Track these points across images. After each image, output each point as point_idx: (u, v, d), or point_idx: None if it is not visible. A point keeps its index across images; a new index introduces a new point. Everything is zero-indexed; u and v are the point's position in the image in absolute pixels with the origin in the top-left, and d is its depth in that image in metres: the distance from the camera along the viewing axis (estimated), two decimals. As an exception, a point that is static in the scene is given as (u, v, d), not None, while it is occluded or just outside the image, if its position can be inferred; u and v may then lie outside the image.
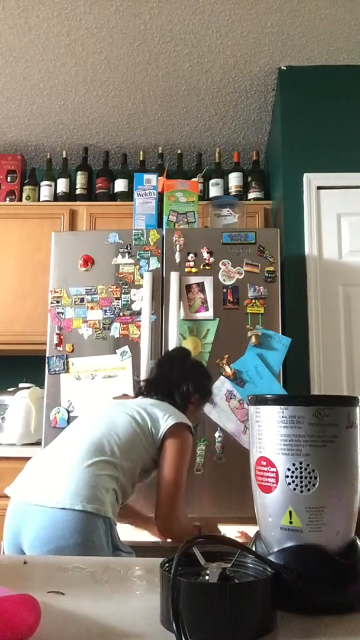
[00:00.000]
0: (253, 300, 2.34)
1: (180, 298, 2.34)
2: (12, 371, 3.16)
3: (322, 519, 0.70)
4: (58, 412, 2.31)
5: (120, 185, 3.26)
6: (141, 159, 3.36)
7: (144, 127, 3.25)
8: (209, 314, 2.35)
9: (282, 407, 0.73)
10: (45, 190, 3.27)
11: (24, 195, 3.27)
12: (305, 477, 0.70)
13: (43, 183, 3.29)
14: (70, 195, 3.29)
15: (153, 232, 2.44)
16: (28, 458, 2.48)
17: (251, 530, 1.90)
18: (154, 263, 2.41)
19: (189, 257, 2.39)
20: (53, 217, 3.10)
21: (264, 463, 0.73)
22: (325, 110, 2.76)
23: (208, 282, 2.37)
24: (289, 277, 2.61)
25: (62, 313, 2.39)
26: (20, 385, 2.87)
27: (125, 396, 2.07)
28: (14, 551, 1.47)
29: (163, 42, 2.61)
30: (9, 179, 3.32)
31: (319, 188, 2.70)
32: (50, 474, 1.54)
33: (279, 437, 0.72)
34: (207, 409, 2.24)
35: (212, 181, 3.27)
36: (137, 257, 2.42)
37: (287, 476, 0.71)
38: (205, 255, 2.39)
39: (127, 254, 2.42)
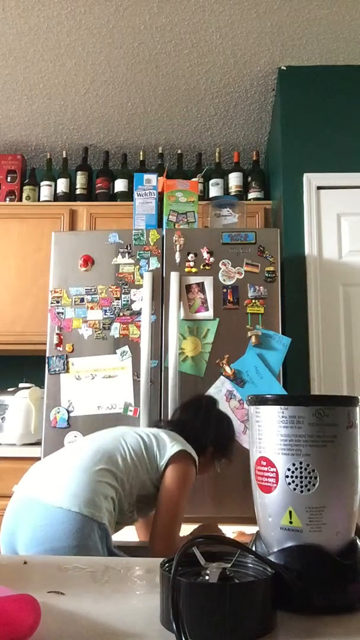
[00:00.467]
0: (253, 300, 2.35)
1: (180, 298, 2.34)
2: (12, 371, 3.17)
3: (322, 519, 0.70)
4: (58, 412, 2.31)
5: (120, 185, 3.26)
6: (141, 159, 3.36)
7: (144, 127, 3.25)
8: (209, 314, 2.35)
9: (282, 407, 0.73)
10: (45, 190, 3.27)
11: (24, 195, 3.27)
12: (305, 477, 0.70)
13: (43, 183, 3.29)
14: (70, 195, 3.29)
15: (153, 232, 2.44)
16: (28, 458, 2.51)
17: (247, 529, 1.91)
18: (154, 263, 2.41)
19: (189, 257, 2.39)
20: (53, 217, 3.10)
21: (264, 463, 0.73)
22: (325, 111, 2.76)
23: (208, 282, 2.37)
24: (289, 277, 2.61)
25: (62, 313, 2.39)
26: (20, 385, 2.87)
27: None
28: (9, 552, 1.47)
29: (163, 42, 2.61)
30: (9, 179, 3.32)
31: (319, 188, 2.70)
32: (54, 473, 1.55)
33: (279, 437, 0.72)
34: (207, 409, 2.25)
35: (212, 181, 3.27)
36: (137, 257, 2.42)
37: (287, 476, 0.71)
38: (205, 255, 2.39)
39: (127, 254, 2.42)
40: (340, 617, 0.66)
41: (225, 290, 2.36)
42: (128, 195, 3.17)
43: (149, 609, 0.67)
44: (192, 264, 2.39)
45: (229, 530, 1.90)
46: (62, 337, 2.37)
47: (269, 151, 3.30)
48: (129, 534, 1.85)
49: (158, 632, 0.62)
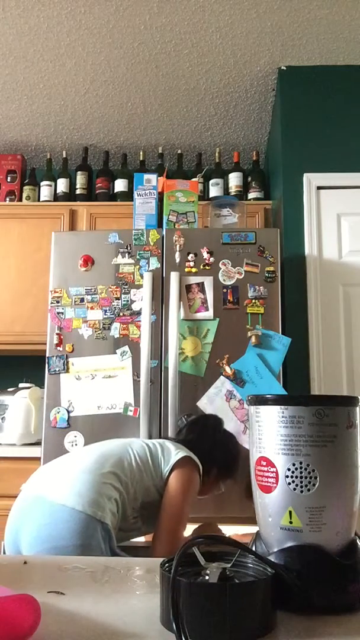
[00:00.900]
0: (253, 300, 2.34)
1: (180, 298, 2.34)
2: (12, 371, 3.17)
3: (322, 518, 0.70)
4: (58, 412, 2.31)
5: (120, 185, 3.26)
6: (141, 159, 3.36)
7: (144, 127, 3.25)
8: (209, 314, 2.35)
9: (282, 407, 0.73)
10: (45, 190, 3.27)
11: (24, 195, 3.27)
12: (305, 477, 0.70)
13: (43, 183, 3.29)
14: (70, 195, 3.29)
15: (153, 232, 2.44)
16: (28, 458, 2.52)
17: (248, 529, 1.90)
18: (154, 263, 2.41)
19: (189, 257, 2.39)
20: (53, 217, 3.10)
21: (264, 463, 0.73)
22: (325, 111, 2.76)
23: (208, 282, 2.37)
24: (289, 277, 2.61)
25: (62, 313, 2.39)
26: (20, 385, 2.87)
27: None
28: (13, 551, 1.48)
29: (163, 42, 2.61)
30: (9, 179, 3.32)
31: (319, 188, 2.70)
32: (60, 473, 1.56)
33: (279, 437, 0.72)
34: (207, 409, 2.24)
35: (212, 181, 3.27)
36: (137, 257, 2.42)
37: (287, 476, 0.71)
38: (205, 255, 2.39)
39: (127, 254, 2.42)
40: (340, 617, 0.66)
41: (225, 290, 2.36)
42: (128, 195, 3.17)
43: (149, 609, 0.67)
44: (192, 264, 2.39)
45: (229, 531, 1.90)
46: (62, 337, 2.37)
47: (269, 151, 3.30)
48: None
49: (158, 632, 0.62)
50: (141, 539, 1.82)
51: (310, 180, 2.70)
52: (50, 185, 3.29)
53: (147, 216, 2.53)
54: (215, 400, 2.26)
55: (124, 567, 0.89)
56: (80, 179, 3.30)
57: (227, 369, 2.29)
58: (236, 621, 0.59)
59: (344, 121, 2.74)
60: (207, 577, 0.65)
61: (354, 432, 0.73)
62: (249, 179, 3.25)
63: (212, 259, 2.39)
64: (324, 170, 2.70)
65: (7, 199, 3.27)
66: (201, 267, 2.39)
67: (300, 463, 0.71)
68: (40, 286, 2.93)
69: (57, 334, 2.38)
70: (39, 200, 3.28)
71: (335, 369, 2.55)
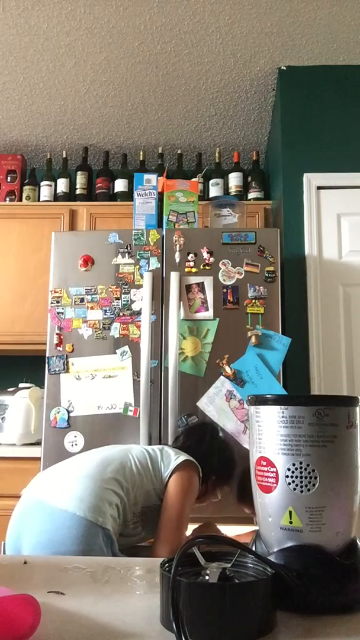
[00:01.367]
0: (253, 300, 2.34)
1: (180, 298, 2.34)
2: (12, 371, 3.17)
3: (322, 519, 0.70)
4: (58, 412, 2.31)
5: (120, 185, 3.26)
6: (141, 159, 3.36)
7: (144, 127, 3.25)
8: (209, 314, 2.35)
9: (282, 407, 0.73)
10: (45, 190, 3.27)
11: (24, 195, 3.27)
12: (305, 477, 0.70)
13: (43, 183, 3.29)
14: (70, 195, 3.29)
15: (153, 232, 2.44)
16: (28, 458, 2.52)
17: (243, 529, 1.90)
18: (154, 263, 2.41)
19: (189, 257, 2.39)
20: (53, 217, 3.10)
21: (264, 463, 0.73)
22: (325, 111, 2.76)
23: (208, 282, 2.37)
24: (289, 277, 2.61)
25: (62, 313, 2.39)
26: (20, 385, 2.87)
27: None
28: (13, 554, 1.48)
29: (163, 42, 2.61)
30: (9, 179, 3.32)
31: (319, 188, 2.70)
32: (61, 478, 1.57)
33: (279, 437, 0.72)
34: (207, 409, 2.25)
35: (212, 181, 3.27)
36: (137, 257, 2.42)
37: (287, 476, 0.71)
38: (205, 255, 2.39)
39: (127, 254, 2.42)
40: (340, 617, 0.66)
41: (225, 290, 2.36)
42: (128, 195, 3.17)
43: (149, 609, 0.67)
44: (192, 264, 2.39)
45: (229, 531, 1.89)
46: (62, 337, 2.37)
47: (269, 151, 3.30)
48: None
49: (158, 632, 0.62)
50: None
51: (310, 180, 2.70)
52: (50, 185, 3.29)
53: (147, 216, 2.53)
54: (215, 400, 2.26)
55: (124, 567, 0.89)
56: (80, 179, 3.30)
57: (227, 369, 2.29)
58: (236, 621, 0.59)
59: (344, 121, 2.74)
60: (207, 577, 0.65)
61: (354, 432, 0.73)
62: (249, 179, 3.25)
63: (212, 259, 2.39)
64: (324, 170, 2.70)
65: (7, 199, 3.27)
66: (201, 267, 2.39)
67: (300, 463, 0.71)
68: (40, 286, 2.94)
69: (57, 334, 2.38)
70: (39, 200, 3.28)
71: (335, 369, 2.55)
